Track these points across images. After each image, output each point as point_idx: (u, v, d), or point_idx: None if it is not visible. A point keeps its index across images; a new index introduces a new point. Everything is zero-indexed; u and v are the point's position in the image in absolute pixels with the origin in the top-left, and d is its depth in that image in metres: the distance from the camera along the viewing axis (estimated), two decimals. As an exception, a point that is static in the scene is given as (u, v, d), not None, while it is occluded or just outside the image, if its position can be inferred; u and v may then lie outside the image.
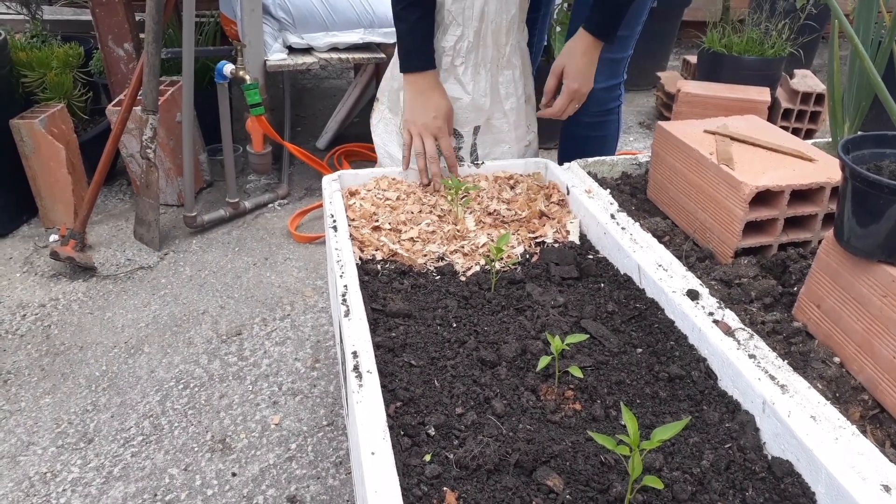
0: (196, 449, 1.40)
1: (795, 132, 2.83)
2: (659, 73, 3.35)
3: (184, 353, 1.68)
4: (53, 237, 2.21)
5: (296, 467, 1.35)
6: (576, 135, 1.73)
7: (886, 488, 0.70)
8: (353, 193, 1.38)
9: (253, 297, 1.92)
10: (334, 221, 1.22)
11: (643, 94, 3.75)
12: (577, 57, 1.49)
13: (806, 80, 2.90)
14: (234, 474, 1.33)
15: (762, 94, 2.71)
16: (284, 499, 1.28)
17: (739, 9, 3.66)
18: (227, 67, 2.16)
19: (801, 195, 1.14)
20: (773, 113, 2.88)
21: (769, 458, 0.79)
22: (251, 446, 1.40)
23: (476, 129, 1.54)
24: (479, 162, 1.46)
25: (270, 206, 2.48)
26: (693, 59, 3.30)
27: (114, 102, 2.32)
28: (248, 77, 2.17)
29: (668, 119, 3.11)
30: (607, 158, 1.50)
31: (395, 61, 1.54)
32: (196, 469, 1.35)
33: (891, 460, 0.79)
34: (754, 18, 3.05)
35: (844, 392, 0.89)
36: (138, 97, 2.10)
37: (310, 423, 1.46)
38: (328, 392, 1.55)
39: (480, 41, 1.46)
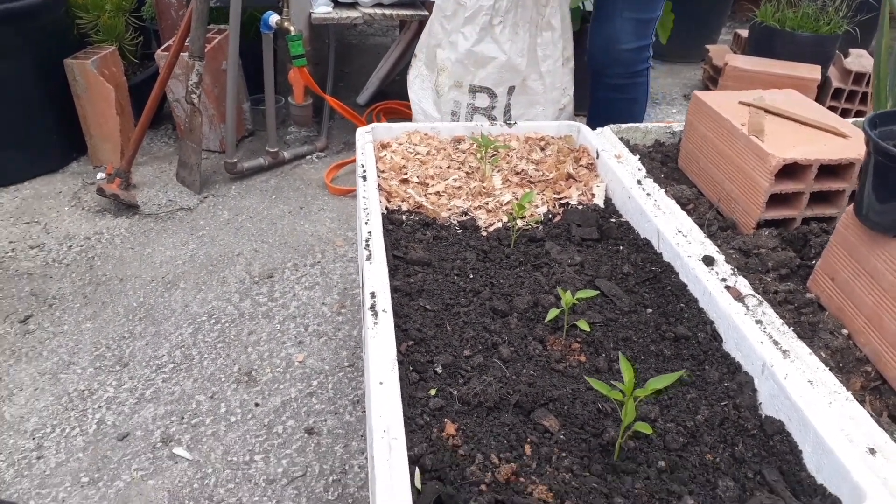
0: (223, 379, 1.47)
1: (845, 112, 2.75)
2: (708, 46, 3.27)
3: (217, 290, 1.76)
4: (100, 175, 2.30)
5: (315, 402, 1.42)
6: (604, 98, 1.73)
7: (872, 451, 0.72)
8: (384, 146, 1.41)
9: (286, 244, 1.98)
10: (364, 172, 1.25)
11: (691, 66, 3.66)
12: None
13: (860, 60, 2.80)
14: (256, 404, 1.41)
15: (812, 72, 2.64)
16: (302, 429, 1.35)
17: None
18: (273, 18, 2.19)
19: (829, 170, 1.14)
20: (824, 92, 2.80)
21: (762, 416, 0.81)
22: (275, 380, 1.47)
23: (511, 90, 1.55)
24: (512, 122, 1.48)
25: (308, 157, 2.53)
26: (745, 33, 3.21)
27: (163, 47, 2.38)
28: (292, 28, 2.20)
29: (713, 94, 3.05)
30: (640, 125, 1.50)
31: (433, 18, 1.55)
32: (222, 397, 1.43)
33: (885, 429, 0.81)
34: (812, -7, 2.94)
35: (849, 362, 0.90)
36: (186, 43, 2.16)
37: (332, 363, 1.52)
38: (351, 336, 1.61)
39: (520, 1, 1.47)
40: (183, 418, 1.38)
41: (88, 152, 2.37)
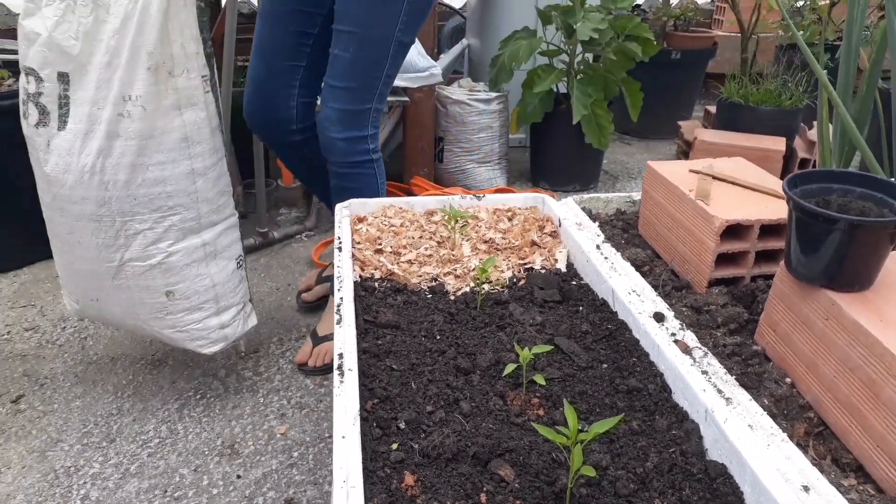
0: (206, 452, 1.50)
1: (812, 181, 2.87)
2: (680, 122, 3.45)
3: (204, 366, 1.81)
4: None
5: (296, 473, 1.44)
6: (335, 186, 1.74)
7: (806, 489, 0.76)
8: (361, 220, 1.50)
9: (273, 319, 2.04)
10: (340, 243, 1.33)
11: (665, 142, 3.83)
12: None
13: (823, 131, 2.94)
14: (238, 476, 1.43)
15: (777, 144, 2.78)
16: (283, 500, 1.36)
17: (762, 62, 3.75)
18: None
19: (772, 230, 1.22)
20: (791, 162, 2.93)
21: (707, 461, 0.85)
22: (257, 452, 1.50)
23: (62, 77, 1.30)
24: (481, 196, 1.57)
25: (298, 237, 2.62)
26: (713, 108, 3.39)
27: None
28: (281, 116, 2.34)
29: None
30: (601, 195, 1.59)
31: None
32: (205, 470, 1.45)
33: (826, 472, 0.86)
34: (773, 71, 3.13)
35: (792, 409, 0.95)
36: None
37: (313, 435, 1.55)
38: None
39: None
40: (166, 492, 1.40)
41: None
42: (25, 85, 1.33)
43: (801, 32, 3.11)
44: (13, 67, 2.29)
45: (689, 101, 3.94)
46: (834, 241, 0.89)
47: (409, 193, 2.89)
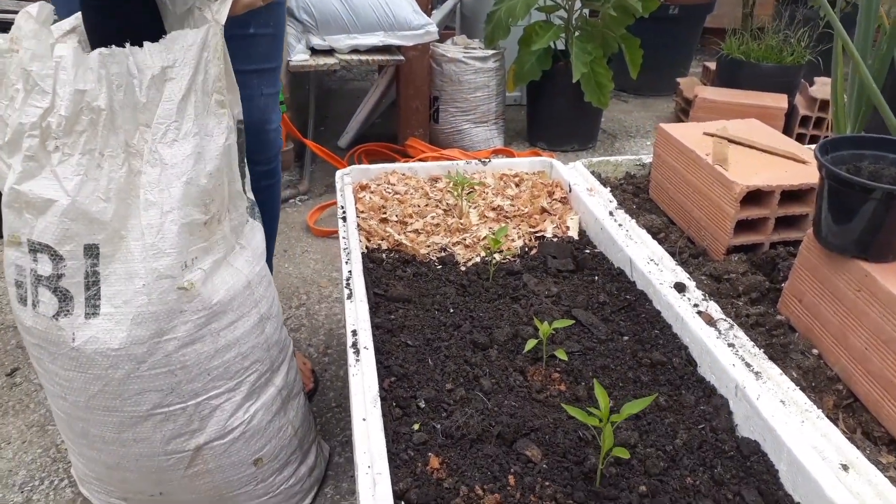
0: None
1: (813, 139, 2.84)
2: (678, 79, 3.38)
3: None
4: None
5: (303, 446, 1.42)
6: (263, 188, 1.39)
7: (845, 467, 0.74)
8: (363, 188, 1.45)
9: (270, 287, 1.99)
10: (344, 213, 1.28)
11: (663, 99, 3.77)
12: None
13: (825, 88, 2.90)
14: (244, 450, 1.41)
15: (778, 101, 2.73)
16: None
17: (762, 16, 3.67)
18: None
19: (792, 195, 1.18)
20: (791, 120, 2.89)
21: (739, 438, 0.83)
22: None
23: (92, 251, 0.95)
24: (486, 160, 1.52)
25: (291, 201, 2.56)
26: (713, 65, 3.32)
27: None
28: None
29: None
30: (611, 159, 1.55)
31: None
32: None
33: (859, 446, 0.84)
34: (774, 26, 3.06)
35: (820, 382, 0.93)
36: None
37: (319, 405, 1.52)
38: (338, 376, 1.61)
39: (94, 117, 0.91)
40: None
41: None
42: (31, 265, 0.96)
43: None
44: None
45: (686, 58, 3.87)
46: (868, 211, 0.86)
47: (405, 155, 2.82)
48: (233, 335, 1.04)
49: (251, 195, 1.15)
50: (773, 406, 0.81)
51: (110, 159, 0.92)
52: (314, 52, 2.56)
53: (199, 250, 0.98)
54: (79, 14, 0.98)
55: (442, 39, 3.04)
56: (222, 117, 0.98)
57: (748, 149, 1.31)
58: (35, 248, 0.94)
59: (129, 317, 0.95)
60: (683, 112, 3.24)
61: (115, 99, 0.89)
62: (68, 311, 0.95)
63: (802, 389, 0.84)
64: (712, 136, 1.36)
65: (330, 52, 2.57)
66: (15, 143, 0.91)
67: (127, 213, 0.94)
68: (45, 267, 0.94)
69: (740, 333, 0.93)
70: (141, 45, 0.91)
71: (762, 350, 0.90)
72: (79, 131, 0.90)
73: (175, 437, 1.04)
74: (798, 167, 1.22)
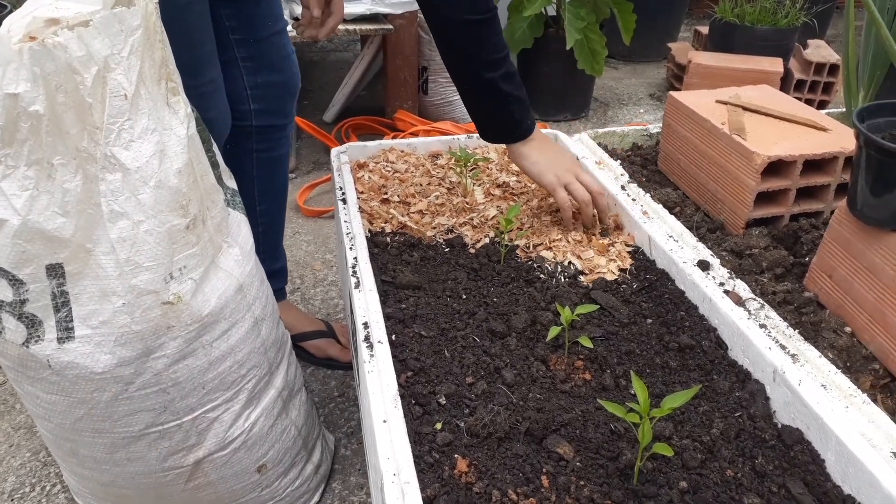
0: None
1: (808, 103, 2.79)
2: (670, 45, 3.30)
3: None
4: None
5: None
6: (260, 160, 1.41)
7: (896, 455, 0.70)
8: (361, 166, 1.38)
9: (262, 271, 1.92)
10: (343, 194, 1.22)
11: (653, 65, 3.70)
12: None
13: (819, 51, 2.85)
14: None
15: (775, 65, 2.67)
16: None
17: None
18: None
19: (813, 165, 1.13)
20: (786, 84, 2.84)
21: (779, 426, 0.79)
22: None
23: (56, 271, 0.82)
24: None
25: (278, 180, 2.47)
26: (705, 29, 3.25)
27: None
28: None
29: (678, 90, 3.08)
30: (617, 129, 1.49)
31: None
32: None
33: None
34: (767, -13, 2.99)
35: (855, 361, 0.89)
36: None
37: (321, 395, 1.47)
38: (338, 364, 1.56)
39: (36, 124, 0.76)
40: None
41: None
42: None
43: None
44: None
45: (676, 22, 3.79)
46: (910, 181, 0.81)
47: (393, 129, 2.73)
48: (227, 344, 0.95)
49: (231, 183, 1.05)
50: (815, 391, 0.76)
51: (61, 168, 0.77)
52: (297, 21, 2.45)
53: (187, 258, 0.87)
54: None
55: (428, 7, 2.93)
56: (178, 105, 0.86)
57: (764, 116, 1.25)
58: None
59: (112, 338, 0.85)
60: (676, 78, 3.18)
61: (56, 101, 0.74)
62: (38, 336, 0.84)
63: (839, 371, 0.80)
64: (726, 103, 1.31)
65: (313, 23, 2.46)
66: None
67: (90, 225, 0.81)
68: (4, 293, 0.82)
69: (772, 314, 0.89)
70: None
71: (797, 331, 0.85)
72: (20, 140, 0.76)
73: (172, 454, 0.96)
74: (818, 135, 1.17)
